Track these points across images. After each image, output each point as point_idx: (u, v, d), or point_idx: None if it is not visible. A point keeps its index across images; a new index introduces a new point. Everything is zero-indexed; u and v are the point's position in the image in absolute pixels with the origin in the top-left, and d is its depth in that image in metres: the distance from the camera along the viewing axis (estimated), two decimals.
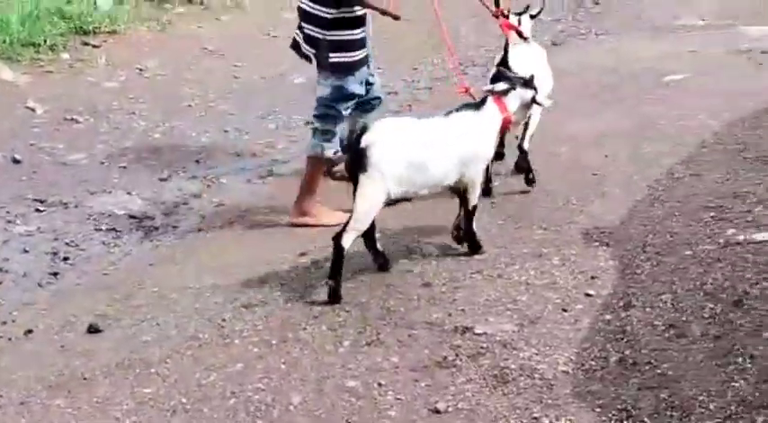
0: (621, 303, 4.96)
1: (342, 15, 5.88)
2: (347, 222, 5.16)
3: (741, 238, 5.50)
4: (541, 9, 6.98)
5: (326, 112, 6.09)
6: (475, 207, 5.58)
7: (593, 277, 5.26)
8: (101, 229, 6.34)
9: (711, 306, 4.83)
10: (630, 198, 6.27)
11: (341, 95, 6.04)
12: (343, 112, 6.10)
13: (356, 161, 5.09)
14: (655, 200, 6.20)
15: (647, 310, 4.87)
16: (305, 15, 5.99)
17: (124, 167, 7.25)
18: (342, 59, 5.92)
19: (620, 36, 10.27)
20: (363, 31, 5.98)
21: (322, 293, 5.18)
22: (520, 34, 6.59)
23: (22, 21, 9.26)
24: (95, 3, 10.22)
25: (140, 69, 9.19)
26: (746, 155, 6.76)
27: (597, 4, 11.62)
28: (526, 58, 6.23)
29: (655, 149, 7.04)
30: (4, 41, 8.98)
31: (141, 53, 9.55)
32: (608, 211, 6.11)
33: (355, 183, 5.12)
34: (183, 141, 7.75)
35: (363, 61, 6.06)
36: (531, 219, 6.07)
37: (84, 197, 6.74)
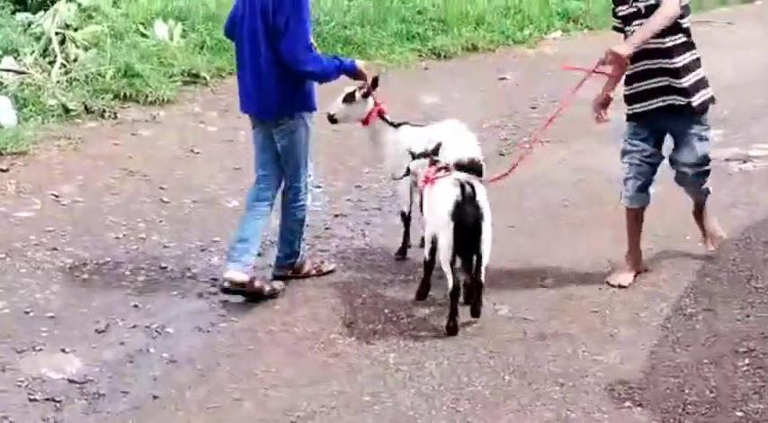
0: None
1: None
2: (479, 262, 5.73)
3: None
4: None
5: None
6: None
7: None
8: (36, 400, 5.36)
9: None
10: (646, 341, 5.59)
11: None
12: None
13: (476, 214, 5.64)
14: (675, 343, 5.53)
15: None
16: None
17: (52, 317, 6.26)
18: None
19: (569, 143, 9.62)
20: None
21: None
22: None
23: None
24: None
25: (56, 196, 8.20)
26: (756, 284, 6.17)
27: (534, 108, 11.07)
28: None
29: (651, 279, 6.39)
30: None
31: (54, 177, 8.56)
32: (625, 358, 5.42)
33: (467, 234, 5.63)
34: (117, 282, 6.79)
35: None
36: (541, 371, 5.33)
37: (10, 358, 5.74)
